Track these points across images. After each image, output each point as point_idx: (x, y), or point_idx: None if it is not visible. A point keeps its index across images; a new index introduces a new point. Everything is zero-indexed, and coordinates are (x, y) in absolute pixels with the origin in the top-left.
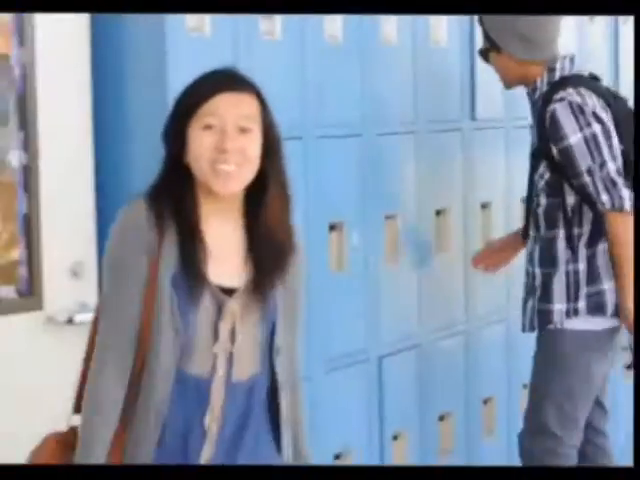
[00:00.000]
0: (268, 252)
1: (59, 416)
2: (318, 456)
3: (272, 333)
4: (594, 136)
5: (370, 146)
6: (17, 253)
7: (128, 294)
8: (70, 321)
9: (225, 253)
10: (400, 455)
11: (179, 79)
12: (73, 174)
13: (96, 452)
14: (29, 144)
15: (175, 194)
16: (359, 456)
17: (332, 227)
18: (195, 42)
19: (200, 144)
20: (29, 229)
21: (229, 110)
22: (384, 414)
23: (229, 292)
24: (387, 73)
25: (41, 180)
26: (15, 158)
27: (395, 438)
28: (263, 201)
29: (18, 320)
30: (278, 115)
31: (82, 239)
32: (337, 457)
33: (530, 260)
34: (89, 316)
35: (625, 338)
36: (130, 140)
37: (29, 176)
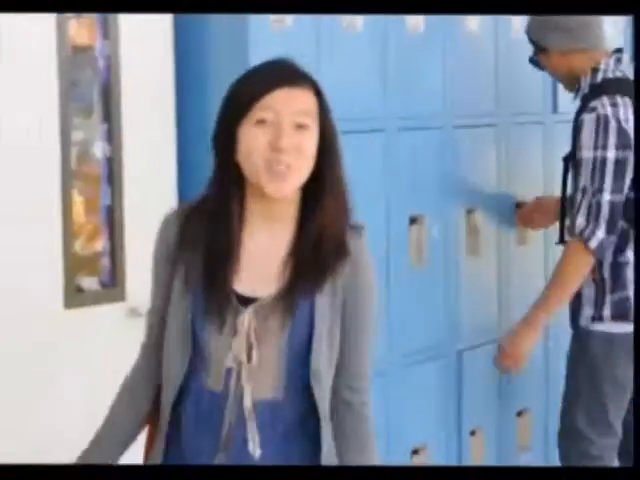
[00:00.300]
0: (312, 256)
1: None
2: (395, 452)
3: (308, 352)
4: (604, 161)
5: (450, 139)
6: (100, 244)
7: (152, 304)
8: None
9: (263, 259)
10: (477, 451)
11: None
12: (156, 166)
13: (101, 449)
14: (113, 136)
15: (221, 199)
16: (436, 452)
17: (413, 220)
18: (277, 37)
19: (253, 141)
20: (112, 220)
21: (285, 105)
22: (462, 409)
23: (251, 302)
24: (469, 64)
25: (124, 172)
26: (99, 150)
27: (472, 433)
28: (317, 202)
29: (101, 311)
30: (360, 108)
31: None
32: (415, 452)
33: None
34: None
35: None
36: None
37: (112, 168)
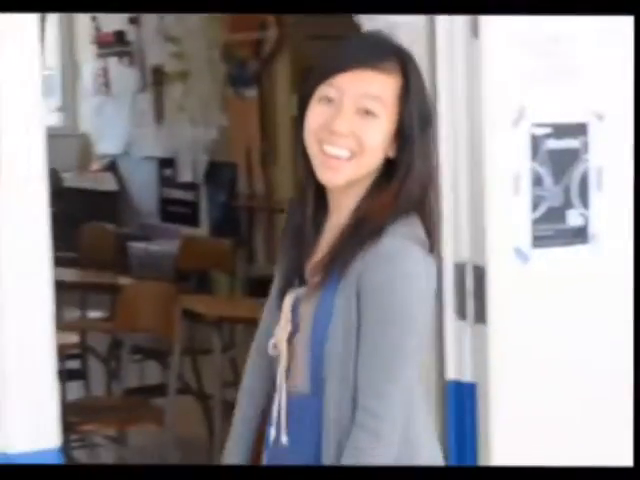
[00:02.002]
0: (343, 243)
1: None
2: None
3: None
4: None
5: None
6: None
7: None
8: None
9: (323, 246)
10: None
11: None
12: None
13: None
14: None
15: (300, 183)
16: None
17: None
18: None
19: (311, 117)
20: None
21: (353, 85)
22: None
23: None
24: None
25: None
26: None
27: None
28: (380, 190)
29: None
30: None
31: None
32: None
33: None
34: None
35: None
36: None
37: None
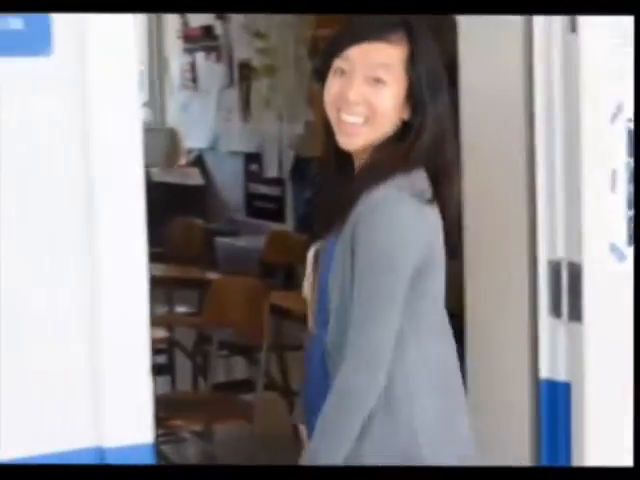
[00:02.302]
0: (350, 191)
1: None
2: None
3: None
4: None
5: None
6: None
7: None
8: None
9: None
10: None
11: None
12: None
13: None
14: None
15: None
16: None
17: None
18: None
19: (328, 89)
20: None
21: (362, 57)
22: None
23: None
24: None
25: None
26: None
27: None
28: (391, 147)
29: None
30: None
31: None
32: None
33: None
34: None
35: None
36: None
37: None
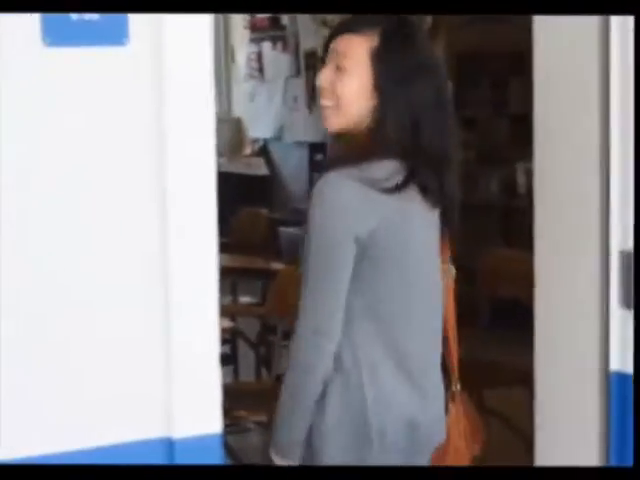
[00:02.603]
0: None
1: None
2: None
3: None
4: None
5: None
6: None
7: None
8: None
9: None
10: None
11: None
12: None
13: None
14: None
15: None
16: None
17: None
18: None
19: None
20: None
21: (336, 47)
22: None
23: None
24: None
25: None
26: None
27: None
28: (360, 135)
29: None
30: None
31: None
32: None
33: None
34: None
35: None
36: None
37: None
